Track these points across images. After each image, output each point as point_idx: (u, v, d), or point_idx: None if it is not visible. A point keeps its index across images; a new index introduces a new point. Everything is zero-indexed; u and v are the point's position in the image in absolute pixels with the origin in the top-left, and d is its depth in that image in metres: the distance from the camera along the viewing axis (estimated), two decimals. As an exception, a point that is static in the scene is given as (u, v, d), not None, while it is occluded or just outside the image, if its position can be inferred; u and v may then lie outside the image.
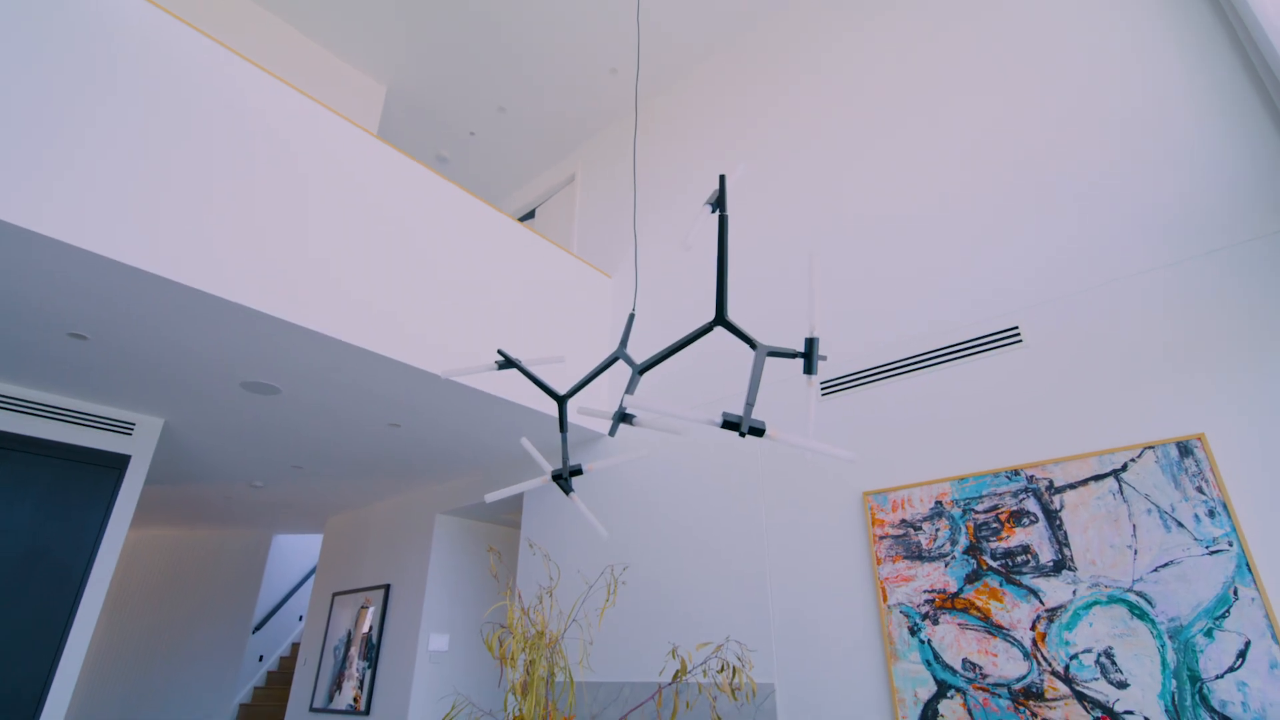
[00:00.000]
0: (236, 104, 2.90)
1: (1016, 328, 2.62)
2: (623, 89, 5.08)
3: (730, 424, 1.35)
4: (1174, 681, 1.97)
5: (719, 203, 1.64)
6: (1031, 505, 2.36)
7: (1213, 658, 1.93)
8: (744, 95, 4.41)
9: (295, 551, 8.71)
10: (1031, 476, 2.39)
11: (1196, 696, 1.92)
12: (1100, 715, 2.05)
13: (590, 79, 5.02)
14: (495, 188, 6.29)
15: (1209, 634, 1.95)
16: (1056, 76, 2.91)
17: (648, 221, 4.64)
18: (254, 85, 3.00)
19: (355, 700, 5.15)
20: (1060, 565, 2.24)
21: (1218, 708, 1.89)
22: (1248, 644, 1.89)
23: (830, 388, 3.10)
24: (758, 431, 1.35)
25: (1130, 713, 2.00)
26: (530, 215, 6.09)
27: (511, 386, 3.56)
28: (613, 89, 5.09)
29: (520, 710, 2.03)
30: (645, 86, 5.07)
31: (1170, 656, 1.99)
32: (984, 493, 2.48)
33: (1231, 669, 1.90)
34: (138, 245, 2.42)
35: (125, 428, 3.76)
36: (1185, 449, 2.13)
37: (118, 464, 3.67)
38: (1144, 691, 2.00)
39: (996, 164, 2.96)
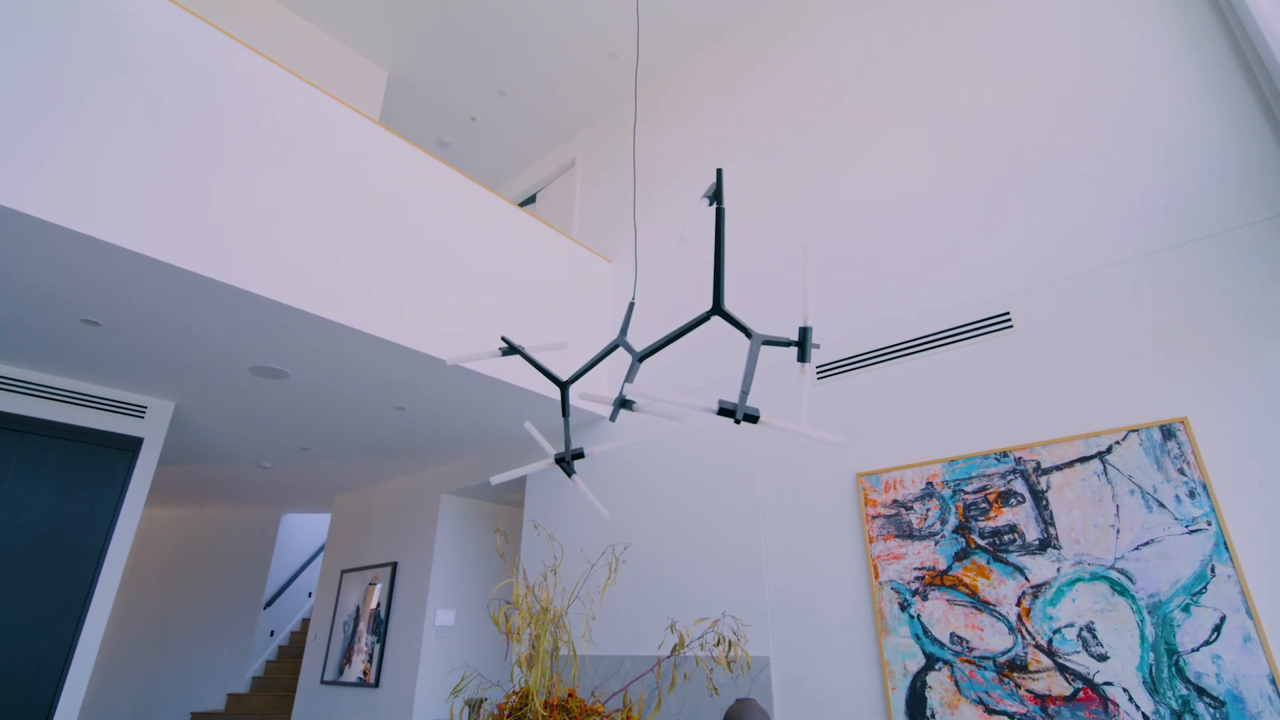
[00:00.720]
0: (242, 94, 2.93)
1: (1008, 313, 2.67)
2: (623, 74, 5.07)
3: (726, 411, 1.41)
4: (1152, 654, 2.05)
5: (716, 195, 1.68)
6: (1019, 486, 2.44)
7: (1189, 632, 2.01)
8: (742, 83, 4.41)
9: (303, 530, 8.87)
10: (1019, 458, 2.47)
11: (1173, 668, 2.01)
12: (1081, 686, 2.14)
13: (590, 64, 5.01)
14: (496, 172, 6.30)
15: (1186, 609, 2.03)
16: (1048, 65, 2.93)
17: (647, 208, 4.67)
18: (260, 75, 3.03)
19: (365, 673, 5.30)
20: (1045, 544, 2.32)
21: (1193, 679, 1.97)
22: (1223, 619, 1.97)
23: (825, 372, 3.16)
24: (752, 418, 1.41)
25: (1110, 684, 2.09)
26: (531, 200, 6.11)
27: (514, 371, 3.63)
28: (613, 74, 5.09)
29: (526, 682, 2.13)
30: (645, 72, 5.06)
31: (1149, 631, 2.07)
32: (973, 474, 2.55)
33: (1207, 642, 1.98)
34: (146, 232, 2.47)
35: (137, 411, 3.84)
36: (1168, 432, 2.20)
37: (131, 446, 3.76)
38: (1123, 664, 2.09)
39: (990, 152, 2.98)
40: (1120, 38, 2.76)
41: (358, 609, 5.74)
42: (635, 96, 5.16)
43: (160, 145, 2.60)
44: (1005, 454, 2.50)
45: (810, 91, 3.94)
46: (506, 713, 2.06)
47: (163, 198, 2.55)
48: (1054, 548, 2.30)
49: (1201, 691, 1.95)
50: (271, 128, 2.98)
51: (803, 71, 4.04)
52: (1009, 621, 2.32)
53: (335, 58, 4.86)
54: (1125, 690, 2.06)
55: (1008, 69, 3.07)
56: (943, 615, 2.46)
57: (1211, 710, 1.92)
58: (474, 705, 2.42)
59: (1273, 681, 1.86)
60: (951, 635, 2.43)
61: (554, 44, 4.86)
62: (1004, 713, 2.24)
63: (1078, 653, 2.17)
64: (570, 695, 2.13)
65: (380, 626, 5.36)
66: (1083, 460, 2.33)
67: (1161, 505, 2.15)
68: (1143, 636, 2.08)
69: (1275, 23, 2.02)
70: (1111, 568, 2.18)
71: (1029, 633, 2.27)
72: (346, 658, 5.60)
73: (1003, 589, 2.37)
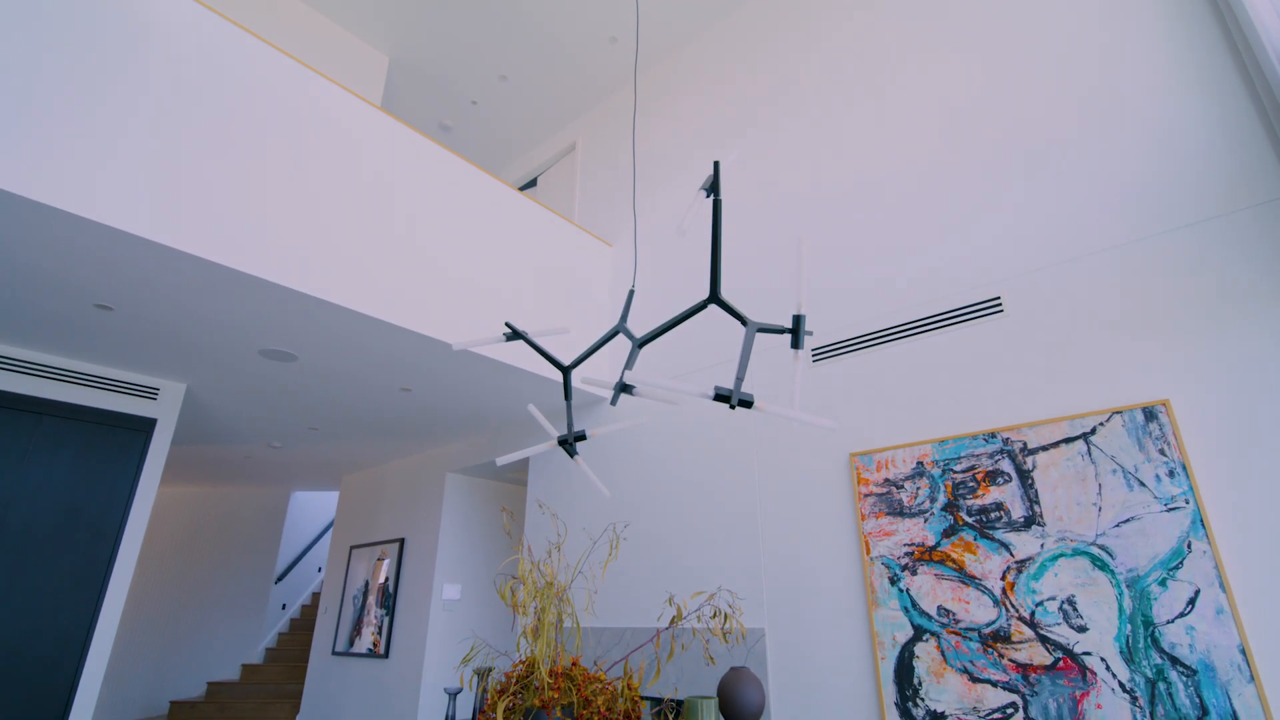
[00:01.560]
0: (248, 81, 2.96)
1: (999, 298, 2.73)
2: (623, 58, 5.06)
3: (722, 397, 1.49)
4: (1129, 626, 2.14)
5: (713, 187, 1.74)
6: (1006, 466, 2.52)
7: (1165, 604, 2.10)
8: (740, 69, 4.41)
9: (313, 507, 9.04)
10: (1007, 439, 2.54)
11: (1149, 639, 2.10)
12: (1061, 656, 2.24)
13: (590, 48, 5.00)
14: (498, 156, 6.30)
15: (1163, 583, 2.12)
16: (1038, 53, 2.94)
17: (648, 191, 4.69)
18: (265, 62, 3.05)
19: (374, 645, 5.47)
20: (1030, 521, 2.41)
21: (1167, 649, 2.07)
22: (1197, 592, 2.06)
23: (820, 354, 3.23)
24: (747, 404, 1.49)
25: (1088, 654, 2.19)
26: (532, 183, 6.12)
27: (517, 354, 3.70)
28: (613, 58, 5.08)
29: (532, 652, 2.24)
30: (645, 56, 5.05)
31: (1127, 603, 2.16)
32: (962, 454, 2.63)
33: (1182, 614, 2.07)
34: (155, 219, 2.52)
35: (150, 393, 3.93)
36: (1150, 414, 2.27)
37: (145, 427, 3.86)
38: (1101, 635, 2.18)
39: (981, 140, 3.01)
40: (1109, 25, 2.77)
41: (366, 583, 5.90)
42: (635, 81, 5.15)
43: (167, 133, 2.64)
44: (993, 435, 2.58)
45: (806, 79, 3.94)
46: (514, 680, 2.17)
47: (169, 185, 2.60)
48: (1038, 525, 2.39)
49: (1175, 661, 2.04)
50: (276, 115, 3.02)
51: (799, 58, 4.04)
52: (994, 595, 2.42)
53: (338, 43, 4.86)
54: (1103, 660, 2.16)
55: (998, 57, 3.08)
56: (931, 589, 2.56)
57: (1184, 679, 2.01)
58: (482, 674, 2.54)
59: (1243, 651, 1.95)
60: (939, 608, 2.53)
61: (554, 27, 4.85)
62: (987, 681, 2.35)
63: (1059, 624, 2.27)
64: (574, 664, 2.24)
65: (389, 600, 5.51)
66: (1068, 441, 2.41)
67: (1142, 484, 2.23)
68: (1121, 609, 2.17)
69: (1264, 11, 2.04)
70: (1093, 544, 2.27)
71: (1013, 605, 2.37)
72: (356, 630, 5.77)
73: (988, 564, 2.46)
